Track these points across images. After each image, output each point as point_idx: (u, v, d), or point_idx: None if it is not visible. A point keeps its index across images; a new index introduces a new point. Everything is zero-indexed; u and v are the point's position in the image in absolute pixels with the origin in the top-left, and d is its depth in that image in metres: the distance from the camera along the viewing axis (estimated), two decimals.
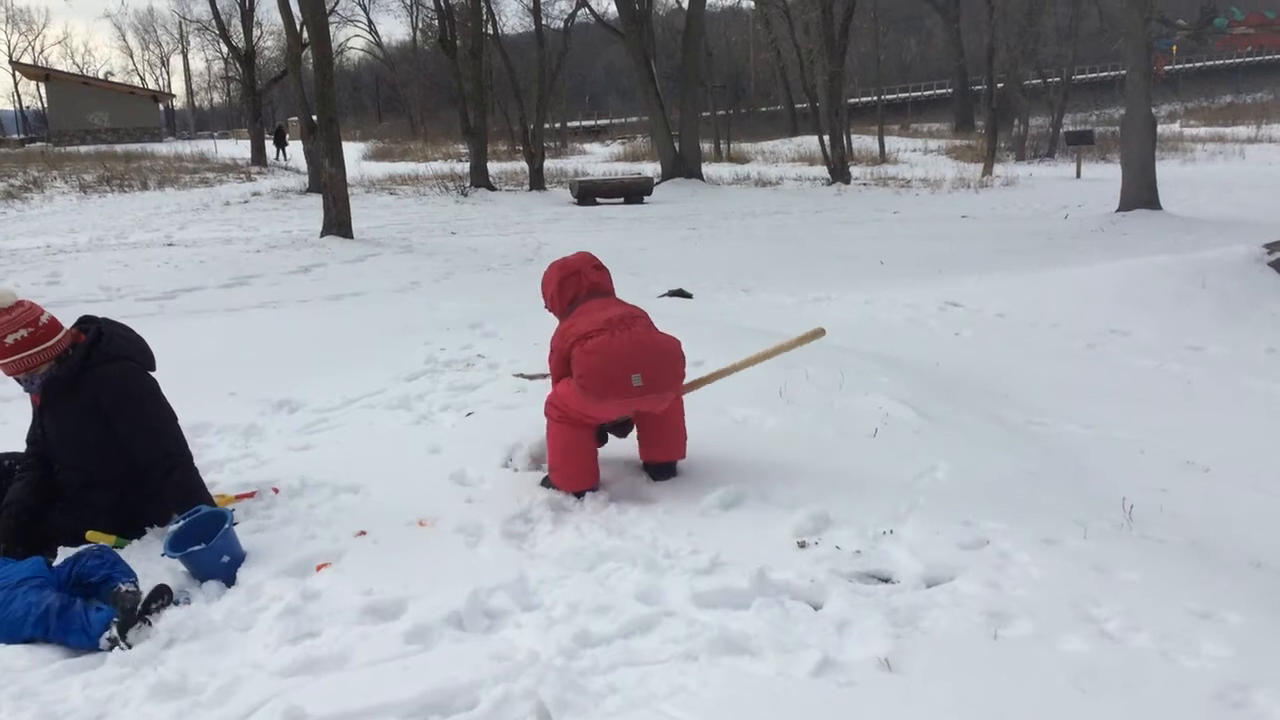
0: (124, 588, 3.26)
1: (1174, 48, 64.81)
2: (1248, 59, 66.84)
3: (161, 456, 3.96)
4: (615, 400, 4.07)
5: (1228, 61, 66.84)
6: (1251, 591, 3.38)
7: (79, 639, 3.14)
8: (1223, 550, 3.99)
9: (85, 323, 4.11)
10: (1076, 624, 2.97)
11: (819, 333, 4.54)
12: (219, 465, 4.86)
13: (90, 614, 3.18)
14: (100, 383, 3.90)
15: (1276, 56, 66.61)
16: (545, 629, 3.06)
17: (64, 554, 3.67)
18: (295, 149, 36.72)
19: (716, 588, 3.27)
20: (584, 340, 4.09)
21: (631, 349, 4.05)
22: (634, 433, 4.46)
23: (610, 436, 4.56)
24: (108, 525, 3.86)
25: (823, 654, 2.83)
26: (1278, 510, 4.74)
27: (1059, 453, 5.35)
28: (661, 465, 4.35)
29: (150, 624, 3.15)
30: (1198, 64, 66.63)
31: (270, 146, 40.15)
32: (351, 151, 31.21)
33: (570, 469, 4.22)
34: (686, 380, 4.39)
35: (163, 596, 3.27)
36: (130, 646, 3.07)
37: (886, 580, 3.34)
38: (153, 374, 4.15)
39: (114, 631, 3.10)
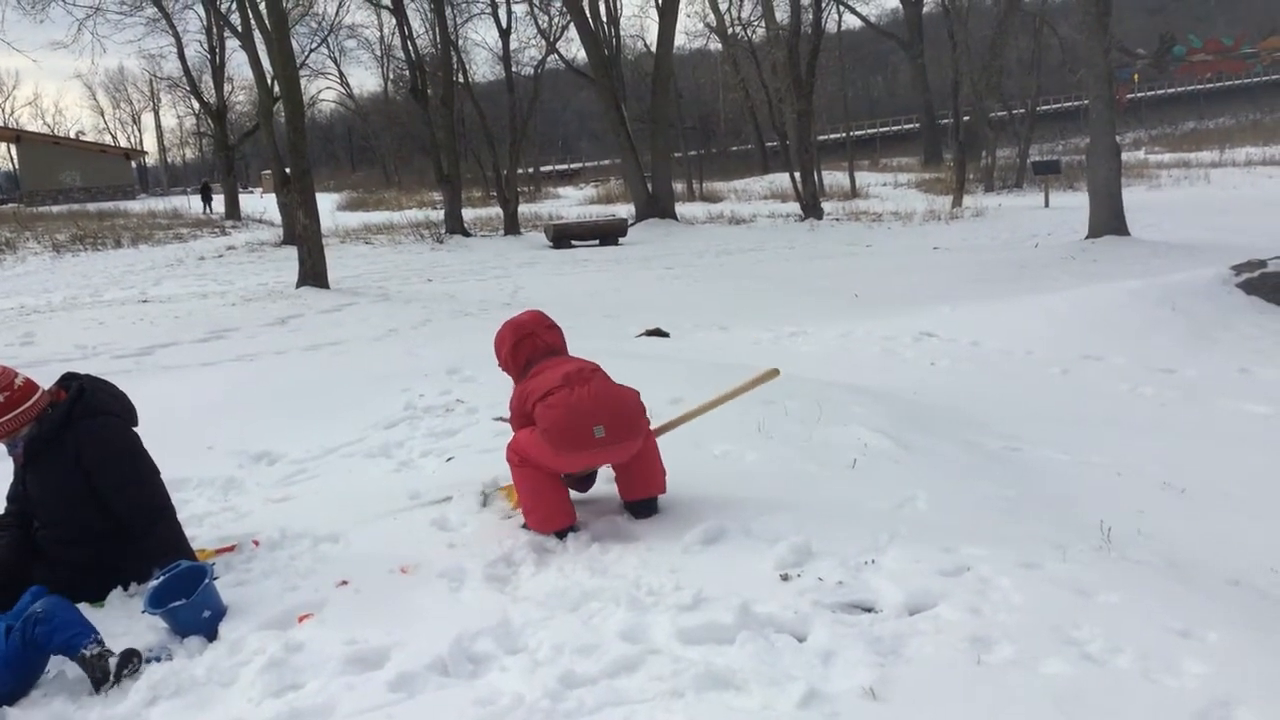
0: (88, 653, 3.20)
1: (1135, 76, 66.13)
2: (1208, 85, 68.12)
3: (144, 511, 3.95)
4: (579, 452, 4.12)
5: (1189, 88, 68.12)
6: (1230, 609, 3.42)
7: (64, 633, 3.20)
8: (1201, 569, 4.02)
9: (68, 379, 4.10)
10: (1058, 647, 2.99)
11: (774, 373, 4.52)
12: (198, 520, 4.83)
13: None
14: (82, 438, 3.88)
15: (1236, 82, 67.92)
16: (530, 671, 3.05)
17: None
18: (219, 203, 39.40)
19: (701, 623, 3.27)
20: (545, 397, 4.13)
21: (592, 401, 4.10)
22: (614, 475, 4.47)
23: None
24: (87, 583, 3.83)
25: (808, 686, 2.83)
26: (1254, 529, 4.80)
27: (1037, 478, 5.39)
28: (643, 503, 4.35)
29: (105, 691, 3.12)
30: (1159, 92, 67.86)
31: (200, 201, 42.05)
32: (325, 202, 31.21)
33: (543, 510, 4.22)
34: (656, 425, 4.44)
35: (132, 661, 3.22)
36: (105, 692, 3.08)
37: (869, 610, 3.35)
38: (135, 429, 4.14)
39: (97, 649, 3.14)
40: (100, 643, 3.25)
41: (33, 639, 3.22)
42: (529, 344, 4.46)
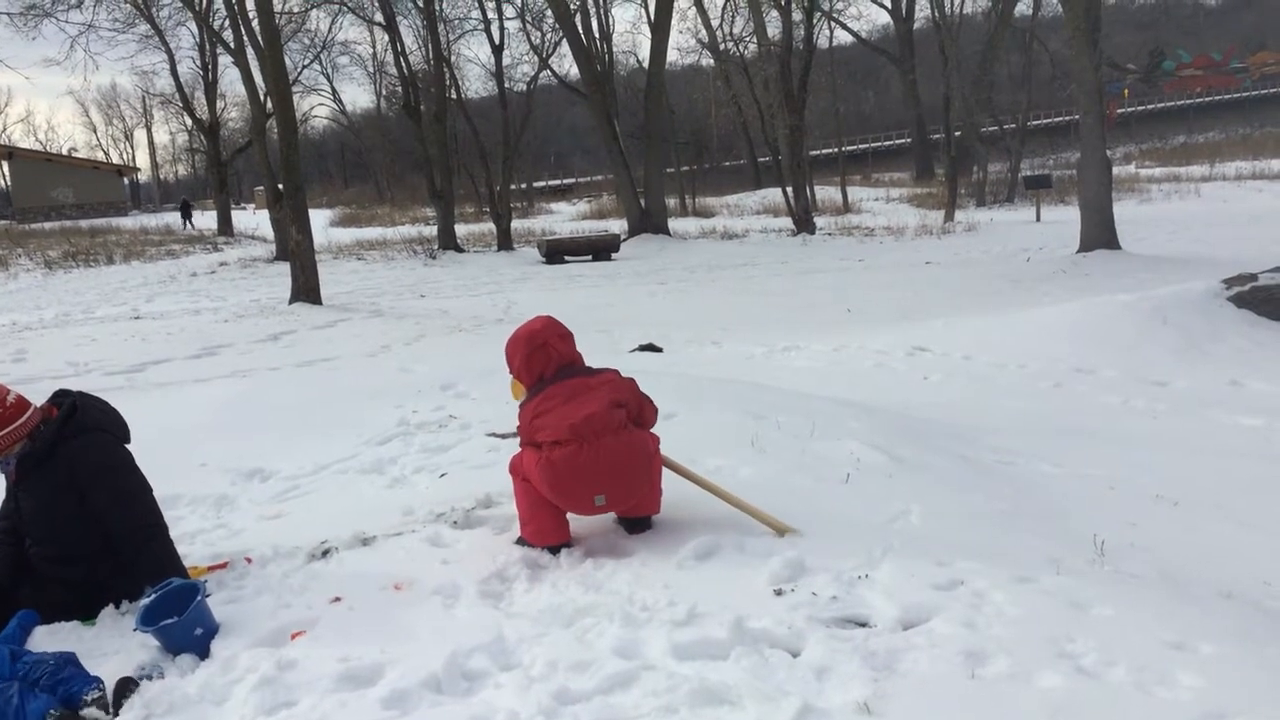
0: (89, 697, 3.15)
1: (1125, 91, 66.57)
2: (1198, 100, 68.58)
3: (136, 528, 3.93)
4: (577, 510, 4.16)
5: (1179, 103, 68.62)
6: (1223, 621, 3.42)
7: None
8: (1194, 582, 4.03)
9: (60, 396, 4.08)
10: (1053, 660, 2.98)
11: (789, 529, 4.30)
12: (190, 537, 4.81)
13: (28, 704, 3.08)
14: (75, 455, 3.86)
15: (1225, 97, 68.41)
16: (525, 688, 3.04)
17: (38, 635, 3.63)
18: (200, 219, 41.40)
19: (695, 639, 3.26)
20: (550, 448, 4.06)
21: (596, 467, 4.01)
22: None
23: None
24: (78, 601, 3.81)
25: (803, 701, 2.82)
26: (1246, 541, 4.80)
27: (1030, 491, 5.39)
28: (636, 519, 4.35)
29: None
30: (1149, 106, 68.30)
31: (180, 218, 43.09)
32: (318, 218, 31.27)
33: (539, 523, 4.20)
34: (678, 469, 4.43)
35: (128, 691, 3.19)
36: None
37: (863, 624, 3.34)
38: (127, 446, 4.13)
39: None
40: (101, 687, 3.19)
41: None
42: (541, 355, 4.33)
